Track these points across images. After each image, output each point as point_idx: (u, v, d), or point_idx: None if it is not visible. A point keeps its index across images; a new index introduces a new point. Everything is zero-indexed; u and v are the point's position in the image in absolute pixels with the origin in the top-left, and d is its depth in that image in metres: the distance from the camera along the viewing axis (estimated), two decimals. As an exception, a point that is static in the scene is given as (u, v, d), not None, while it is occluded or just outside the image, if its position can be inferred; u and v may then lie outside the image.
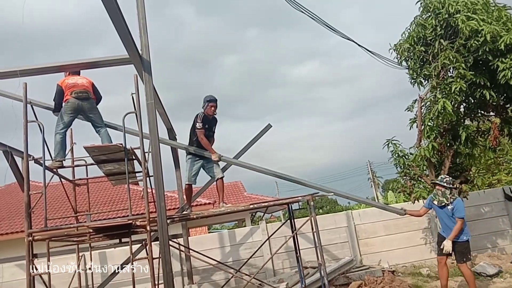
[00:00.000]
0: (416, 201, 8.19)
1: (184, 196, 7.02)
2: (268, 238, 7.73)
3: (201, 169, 6.51)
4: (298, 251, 6.66)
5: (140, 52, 5.12)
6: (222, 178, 6.45)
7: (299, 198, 5.83)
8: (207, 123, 6.48)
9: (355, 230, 9.15)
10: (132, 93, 5.36)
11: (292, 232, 6.74)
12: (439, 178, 6.15)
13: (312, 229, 5.66)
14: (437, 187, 6.01)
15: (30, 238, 5.01)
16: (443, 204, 5.88)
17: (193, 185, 6.61)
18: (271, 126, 7.44)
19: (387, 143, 8.50)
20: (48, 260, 5.33)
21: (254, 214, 21.16)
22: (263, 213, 17.32)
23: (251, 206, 6.13)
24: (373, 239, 9.15)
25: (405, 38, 8.36)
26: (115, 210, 11.69)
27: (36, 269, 5.05)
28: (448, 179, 5.99)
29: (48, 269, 5.20)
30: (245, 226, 17.52)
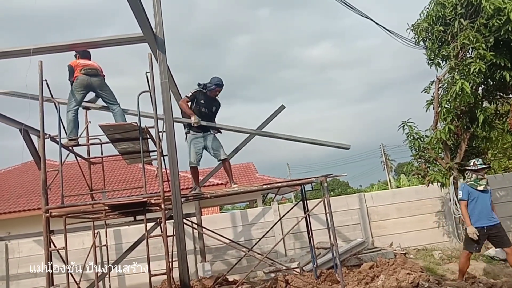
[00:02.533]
0: (430, 184, 8.12)
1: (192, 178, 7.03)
2: (280, 219, 7.77)
3: (204, 150, 6.46)
4: (311, 232, 6.69)
5: (154, 30, 5.08)
6: (226, 159, 6.44)
7: (312, 179, 5.81)
8: (205, 101, 6.40)
9: (367, 212, 9.14)
10: (146, 72, 5.35)
11: (305, 213, 6.75)
12: (476, 161, 5.88)
13: (325, 210, 5.66)
14: (481, 172, 5.76)
15: (48, 214, 5.11)
16: (487, 188, 5.68)
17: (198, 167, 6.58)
18: (284, 107, 7.37)
19: (402, 125, 8.39)
20: (65, 236, 5.45)
21: (265, 195, 21.28)
22: (274, 194, 17.41)
23: (264, 186, 6.14)
24: (385, 221, 9.13)
25: (423, 18, 8.15)
26: (129, 189, 11.85)
27: (54, 245, 5.16)
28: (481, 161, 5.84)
29: (66, 244, 5.31)
30: (256, 207, 17.65)
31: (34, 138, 7.30)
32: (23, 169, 17.28)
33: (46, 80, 5.28)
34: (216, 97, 6.58)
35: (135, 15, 4.58)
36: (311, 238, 6.72)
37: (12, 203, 13.60)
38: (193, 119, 6.18)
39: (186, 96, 6.47)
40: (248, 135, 7.12)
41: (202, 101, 6.38)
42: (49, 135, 5.51)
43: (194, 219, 8.30)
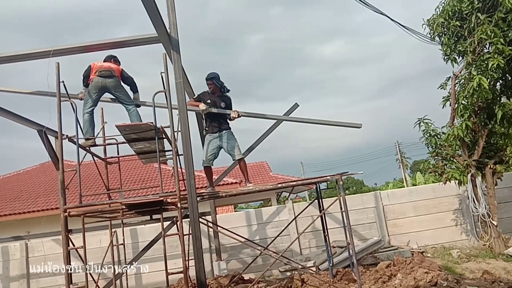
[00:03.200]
0: (447, 182, 8.00)
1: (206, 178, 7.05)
2: (296, 217, 7.76)
3: (219, 150, 6.45)
4: (326, 231, 6.66)
5: (168, 30, 5.11)
6: (242, 158, 6.42)
7: (328, 177, 5.77)
8: (211, 100, 6.39)
9: (383, 210, 9.05)
10: (161, 72, 5.39)
11: (320, 211, 6.72)
12: None
13: (341, 208, 5.62)
14: None
15: (66, 214, 5.19)
16: None
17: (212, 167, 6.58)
18: (298, 106, 7.35)
19: (418, 122, 8.29)
20: (84, 235, 5.52)
21: (279, 194, 21.26)
22: (288, 193, 17.38)
23: (279, 185, 6.13)
24: (402, 219, 9.04)
25: (439, 13, 8.02)
26: (144, 188, 11.97)
27: (73, 244, 5.24)
28: None
29: (84, 243, 5.38)
30: (271, 205, 17.65)
31: (52, 138, 7.44)
32: (41, 170, 17.61)
33: (63, 82, 5.36)
34: (225, 94, 6.56)
35: (150, 16, 4.61)
36: (326, 237, 6.69)
37: (31, 203, 13.87)
38: (201, 106, 6.19)
39: (192, 98, 6.58)
40: (261, 135, 7.13)
41: (209, 101, 6.38)
42: (67, 135, 5.60)
43: (209, 218, 8.34)
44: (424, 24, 8.27)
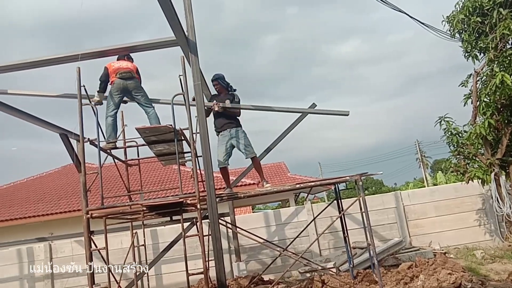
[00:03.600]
0: (470, 181, 7.84)
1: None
2: (315, 218, 7.72)
3: (232, 149, 6.43)
4: (346, 232, 6.60)
5: (186, 33, 5.16)
6: (255, 156, 6.39)
7: (347, 178, 5.72)
8: (217, 101, 6.42)
9: (404, 211, 8.92)
10: (179, 75, 5.44)
11: (339, 212, 6.67)
12: None
13: (361, 209, 5.57)
14: None
15: (88, 215, 5.28)
16: None
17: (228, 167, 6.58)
18: (316, 106, 7.32)
19: (439, 120, 8.15)
20: (106, 237, 5.61)
21: (298, 194, 21.18)
22: (307, 194, 17.30)
23: (297, 185, 6.11)
24: (423, 220, 8.89)
25: (459, 9, 7.88)
26: (164, 190, 12.09)
27: (95, 245, 5.33)
28: None
29: (106, 244, 5.47)
30: (288, 206, 17.61)
31: (73, 142, 7.59)
32: (63, 172, 17.99)
33: (84, 86, 5.46)
34: (231, 93, 6.55)
35: (168, 20, 4.66)
36: (346, 238, 6.63)
37: (53, 205, 14.17)
38: (214, 104, 6.23)
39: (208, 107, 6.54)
40: (279, 135, 7.12)
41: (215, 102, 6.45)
42: (88, 138, 5.70)
43: (228, 218, 8.37)
44: (443, 21, 8.14)
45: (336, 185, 6.79)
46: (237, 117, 6.49)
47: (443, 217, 8.85)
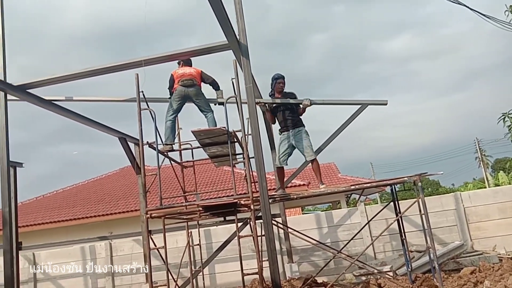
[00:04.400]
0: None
1: (277, 179, 7.10)
2: (370, 221, 7.54)
3: (293, 149, 6.46)
4: (404, 234, 6.38)
5: (237, 37, 5.23)
6: (315, 159, 6.38)
7: (405, 178, 5.52)
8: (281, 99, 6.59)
9: (465, 213, 8.45)
10: (232, 78, 5.55)
11: (396, 215, 6.45)
12: None
13: (420, 211, 5.36)
14: None
15: (148, 215, 5.50)
16: None
17: (285, 167, 6.63)
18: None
19: (502, 117, 7.68)
20: (164, 236, 5.82)
21: (349, 196, 20.75)
22: (359, 195, 16.90)
23: (352, 187, 5.99)
24: (486, 222, 8.37)
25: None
26: (216, 191, 12.34)
27: (154, 244, 5.54)
28: None
29: (165, 243, 5.67)
30: (339, 208, 17.30)
31: (131, 145, 7.95)
32: (120, 174, 18.91)
33: (142, 92, 5.71)
34: (287, 92, 6.63)
35: (220, 24, 4.75)
36: (404, 241, 6.40)
37: (112, 205, 14.93)
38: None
39: (266, 110, 6.78)
40: (330, 135, 7.02)
41: (275, 104, 6.60)
42: (147, 142, 5.95)
43: (279, 220, 8.38)
44: (506, 10, 7.66)
45: (393, 186, 6.58)
46: (300, 117, 6.55)
47: (509, 219, 8.28)
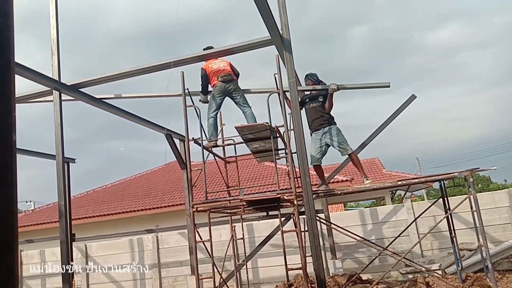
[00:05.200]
0: None
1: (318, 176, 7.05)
2: (417, 217, 7.32)
3: (327, 147, 6.39)
4: (453, 232, 6.14)
5: (280, 32, 5.22)
6: (353, 153, 6.27)
7: (455, 174, 5.30)
8: (309, 98, 6.66)
9: (520, 210, 8.01)
10: (274, 74, 5.55)
11: (445, 211, 6.22)
12: None
13: (471, 208, 5.13)
14: None
15: (194, 209, 5.64)
16: None
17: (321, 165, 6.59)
18: (416, 97, 6.94)
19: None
20: (210, 229, 5.96)
21: (394, 192, 20.19)
22: (405, 192, 16.40)
23: (399, 182, 5.84)
24: (544, 221, 7.89)
25: None
26: (258, 186, 12.43)
27: (200, 237, 5.68)
28: None
29: (210, 237, 5.80)
30: (384, 204, 16.89)
31: (176, 141, 8.16)
32: (166, 169, 19.46)
33: (187, 89, 5.85)
34: (318, 90, 6.61)
35: (263, 19, 4.76)
36: (453, 238, 6.17)
37: (158, 199, 15.42)
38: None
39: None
40: (375, 130, 6.88)
41: (307, 100, 6.62)
42: (193, 138, 6.09)
43: (321, 215, 8.31)
44: None
45: (442, 182, 6.35)
46: (330, 114, 6.47)
47: None
